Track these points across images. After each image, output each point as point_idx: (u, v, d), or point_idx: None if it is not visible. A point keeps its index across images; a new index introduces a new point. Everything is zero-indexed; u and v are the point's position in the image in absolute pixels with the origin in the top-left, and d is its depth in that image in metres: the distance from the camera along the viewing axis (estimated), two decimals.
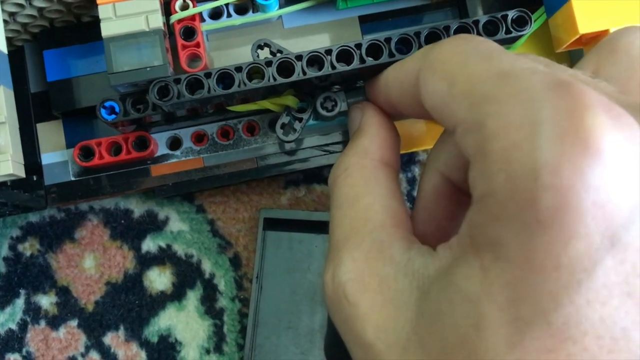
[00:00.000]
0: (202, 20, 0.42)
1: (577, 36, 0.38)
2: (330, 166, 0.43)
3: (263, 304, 0.45)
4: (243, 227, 0.48)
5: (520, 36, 0.38)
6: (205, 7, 0.41)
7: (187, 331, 0.47)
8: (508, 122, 0.22)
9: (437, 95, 0.27)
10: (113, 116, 0.39)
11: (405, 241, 0.28)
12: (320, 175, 0.48)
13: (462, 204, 0.31)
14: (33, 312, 0.47)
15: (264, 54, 0.40)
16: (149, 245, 0.48)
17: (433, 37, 0.37)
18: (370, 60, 0.37)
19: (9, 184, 0.39)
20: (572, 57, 0.44)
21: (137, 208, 0.48)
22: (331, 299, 0.28)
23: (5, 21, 0.40)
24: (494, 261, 0.22)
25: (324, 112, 0.40)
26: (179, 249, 0.48)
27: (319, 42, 0.44)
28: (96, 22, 0.39)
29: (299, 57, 0.37)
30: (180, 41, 0.40)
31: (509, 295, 0.21)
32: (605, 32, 0.38)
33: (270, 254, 0.46)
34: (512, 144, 0.22)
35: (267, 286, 0.45)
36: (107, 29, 0.38)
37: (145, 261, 0.48)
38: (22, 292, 0.47)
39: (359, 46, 0.37)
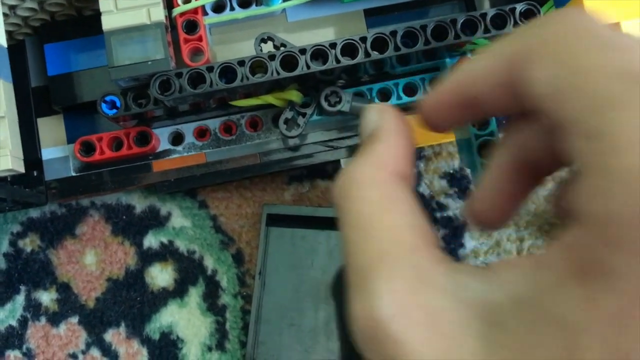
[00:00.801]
0: (205, 13, 0.41)
1: None
2: (334, 162, 0.43)
3: (266, 301, 0.45)
4: (246, 223, 0.48)
5: None
6: (207, 0, 0.41)
7: (189, 328, 0.46)
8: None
9: (548, 84, 0.24)
10: (114, 111, 0.39)
11: (445, 264, 0.25)
12: (324, 171, 0.48)
13: (528, 185, 0.29)
14: (33, 309, 0.47)
15: (267, 47, 0.39)
16: (151, 241, 0.47)
17: (440, 30, 0.37)
18: (375, 54, 0.37)
19: (9, 179, 0.39)
20: None
21: (139, 203, 0.48)
22: (366, 336, 0.25)
23: (5, 14, 0.40)
24: (603, 291, 0.20)
25: (327, 107, 0.40)
26: (181, 245, 0.47)
27: (324, 35, 0.43)
28: (97, 15, 0.38)
29: (302, 51, 0.36)
30: (182, 35, 0.40)
31: (615, 328, 0.20)
32: (616, 25, 0.37)
33: (273, 250, 0.45)
34: None
35: (270, 283, 0.45)
36: (108, 22, 0.38)
37: (147, 257, 0.47)
38: (23, 288, 0.47)
39: (363, 39, 0.37)
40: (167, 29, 0.39)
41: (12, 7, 0.40)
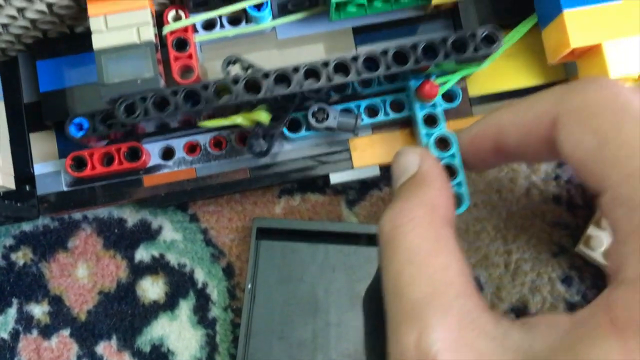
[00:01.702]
0: (195, 31, 0.42)
1: (569, 50, 0.38)
2: (323, 177, 0.44)
3: (256, 314, 0.45)
4: (236, 237, 0.48)
5: (490, 53, 0.39)
6: (197, 19, 0.41)
7: (180, 341, 0.47)
8: None
9: (582, 149, 0.27)
10: (82, 132, 0.39)
11: (490, 312, 0.27)
12: (314, 185, 0.48)
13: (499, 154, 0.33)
14: (25, 322, 0.47)
15: (236, 69, 0.40)
16: (142, 254, 0.48)
17: (401, 55, 0.38)
18: (337, 78, 0.37)
19: (0, 194, 0.39)
20: (567, 69, 0.44)
21: (131, 217, 0.48)
22: None
23: None
24: None
25: (315, 123, 0.40)
26: (172, 259, 0.48)
27: (313, 53, 0.44)
28: (89, 32, 0.39)
29: (266, 75, 0.37)
30: (172, 52, 0.40)
31: None
32: (597, 45, 0.38)
33: (264, 263, 0.46)
34: None
35: (260, 296, 0.45)
36: (99, 41, 0.38)
37: (139, 270, 0.48)
38: (15, 301, 0.47)
39: (326, 64, 0.38)
40: (157, 47, 0.39)
41: (4, 25, 0.40)
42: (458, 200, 0.39)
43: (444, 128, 0.41)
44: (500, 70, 0.44)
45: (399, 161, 0.35)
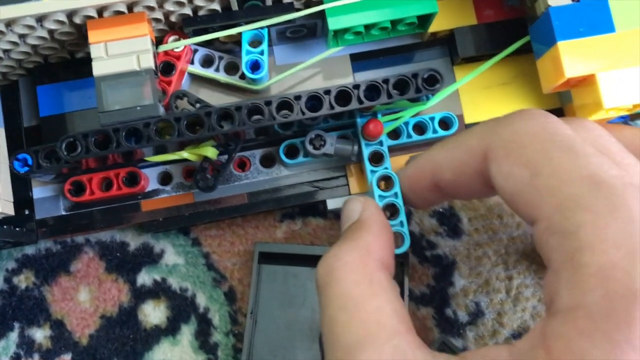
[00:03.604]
0: (191, 62, 0.43)
1: (564, 80, 0.38)
2: (321, 202, 0.44)
3: (257, 339, 0.45)
4: (238, 261, 0.48)
5: (432, 94, 0.39)
6: (192, 41, 0.42)
7: None
8: (605, 238, 0.22)
9: (514, 181, 0.27)
10: (26, 168, 0.39)
11: (425, 350, 0.27)
12: (315, 209, 0.48)
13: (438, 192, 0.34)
14: (27, 346, 0.47)
15: (184, 104, 0.41)
16: (144, 278, 0.48)
17: (343, 95, 0.39)
18: (280, 118, 0.39)
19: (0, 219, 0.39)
20: (561, 98, 0.44)
21: (133, 241, 0.48)
22: None
23: None
24: None
25: (312, 150, 0.40)
26: (174, 283, 0.48)
27: (310, 79, 0.44)
28: (89, 58, 0.39)
29: (208, 114, 0.38)
30: None
31: None
32: (592, 76, 0.37)
33: (265, 288, 0.46)
34: (610, 262, 0.22)
35: (262, 321, 0.45)
36: (99, 68, 0.39)
37: (140, 295, 0.48)
38: (17, 325, 0.47)
39: (268, 103, 0.39)
40: (156, 74, 0.39)
41: (6, 51, 0.41)
42: (400, 239, 0.39)
43: (389, 167, 0.41)
44: (496, 98, 0.44)
45: (344, 209, 0.36)
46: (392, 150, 0.43)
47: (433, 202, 0.39)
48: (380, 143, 0.42)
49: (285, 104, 0.39)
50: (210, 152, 0.41)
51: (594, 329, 0.21)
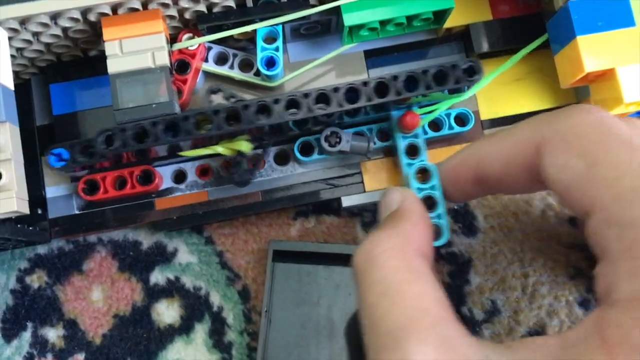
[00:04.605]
0: (205, 60, 0.42)
1: (583, 74, 0.38)
2: (335, 200, 0.44)
3: (272, 338, 0.45)
4: (252, 259, 0.48)
5: (472, 84, 0.39)
6: (208, 38, 0.41)
7: None
8: None
9: (570, 172, 0.27)
10: (62, 163, 0.39)
11: (470, 338, 0.27)
12: (329, 207, 0.48)
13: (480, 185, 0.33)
14: (40, 346, 0.47)
15: (218, 98, 0.40)
16: (158, 277, 0.48)
17: (382, 86, 0.39)
18: (318, 110, 0.38)
19: (13, 218, 0.39)
20: (578, 93, 0.44)
21: (146, 240, 0.48)
22: None
23: (12, 56, 0.40)
24: None
25: (328, 147, 0.40)
26: (188, 281, 0.48)
27: (325, 76, 0.44)
28: (102, 56, 0.39)
29: (245, 107, 0.38)
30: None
31: None
32: (611, 70, 0.37)
33: (279, 286, 0.45)
34: None
35: (276, 319, 0.45)
36: (114, 66, 0.39)
37: (154, 294, 0.47)
38: (30, 325, 0.47)
39: (307, 95, 0.38)
40: (171, 72, 0.39)
41: (19, 49, 0.41)
42: (438, 232, 0.38)
43: (425, 159, 0.41)
44: (512, 94, 0.44)
45: (383, 199, 0.36)
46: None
47: (473, 196, 0.39)
48: (416, 135, 0.42)
49: (322, 97, 0.38)
50: (245, 146, 0.41)
51: None
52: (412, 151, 0.42)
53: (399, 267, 0.29)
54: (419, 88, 0.39)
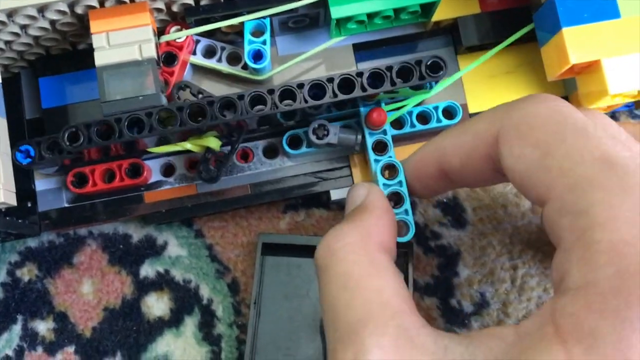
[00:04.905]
0: (193, 53, 0.42)
1: (569, 66, 0.38)
2: (325, 193, 0.44)
3: (261, 330, 0.45)
4: (242, 252, 0.48)
5: (435, 81, 0.39)
6: (194, 31, 0.41)
7: (185, 358, 0.47)
8: (617, 216, 0.23)
9: (525, 162, 0.27)
10: (29, 160, 0.39)
11: (429, 329, 0.27)
12: (319, 200, 0.48)
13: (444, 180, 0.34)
14: (30, 338, 0.47)
15: (186, 95, 0.41)
16: (147, 270, 0.48)
17: (347, 82, 0.39)
18: (283, 107, 0.38)
19: (2, 210, 0.39)
20: (566, 86, 0.44)
21: (136, 233, 0.48)
22: None
23: (0, 49, 0.40)
24: (585, 353, 0.21)
25: (315, 140, 0.40)
26: (177, 274, 0.48)
27: (313, 69, 0.44)
28: (91, 49, 0.39)
29: (210, 103, 0.38)
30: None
31: None
32: (597, 62, 0.37)
33: (269, 279, 0.45)
34: (622, 240, 0.22)
35: (265, 312, 0.45)
36: (101, 58, 0.39)
37: (144, 287, 0.47)
38: (20, 317, 0.47)
39: (271, 92, 0.38)
40: (158, 64, 0.39)
41: (7, 42, 0.41)
42: (405, 228, 0.39)
43: (393, 155, 0.41)
44: (500, 87, 0.44)
45: (349, 194, 0.36)
46: (396, 139, 0.43)
47: (437, 191, 0.39)
48: (384, 132, 0.42)
49: (288, 93, 0.38)
50: (213, 142, 0.41)
51: (605, 306, 0.21)
52: (380, 148, 0.42)
53: (359, 261, 0.29)
54: (384, 85, 0.39)
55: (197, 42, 0.43)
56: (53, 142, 0.39)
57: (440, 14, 0.43)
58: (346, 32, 0.43)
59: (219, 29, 0.41)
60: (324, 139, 0.41)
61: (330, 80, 0.38)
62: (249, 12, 0.40)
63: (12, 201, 0.38)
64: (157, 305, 0.47)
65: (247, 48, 0.41)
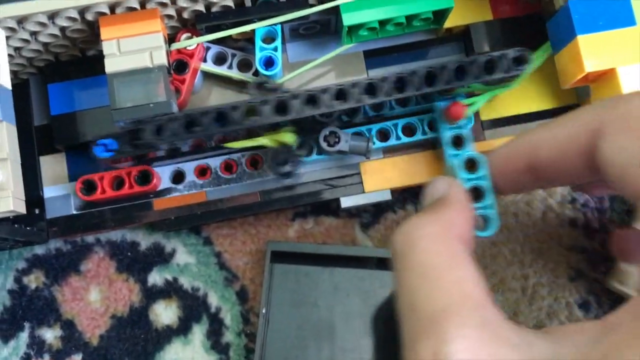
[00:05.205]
0: (204, 60, 0.42)
1: (584, 74, 0.37)
2: (334, 201, 0.43)
3: (270, 339, 0.44)
4: (250, 260, 0.48)
5: (519, 74, 0.38)
6: (207, 38, 0.41)
7: None
8: None
9: (626, 154, 0.27)
10: (110, 153, 0.39)
11: (511, 323, 0.26)
12: (328, 208, 0.48)
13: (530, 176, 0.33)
14: (37, 346, 0.47)
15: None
16: (155, 278, 0.47)
17: (431, 76, 0.38)
18: (367, 98, 0.37)
19: (10, 218, 0.39)
20: (578, 94, 0.44)
21: (144, 240, 0.48)
22: None
23: (10, 55, 0.40)
24: None
25: (327, 147, 0.40)
26: (185, 282, 0.47)
27: (324, 76, 0.44)
28: (100, 56, 0.39)
29: (295, 96, 0.37)
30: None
31: None
32: (612, 70, 0.37)
33: (277, 287, 0.45)
34: None
35: (274, 321, 0.45)
36: (111, 65, 0.38)
37: (151, 294, 0.47)
38: (27, 325, 0.47)
39: (355, 85, 0.38)
40: (169, 72, 0.39)
41: (17, 49, 0.40)
42: (487, 222, 0.38)
43: (472, 149, 0.41)
44: (512, 94, 0.44)
45: (428, 188, 0.35)
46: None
47: (519, 188, 0.39)
48: (462, 126, 0.42)
49: (370, 87, 0.38)
50: (289, 137, 0.40)
51: None
52: (458, 142, 0.42)
53: (440, 252, 0.29)
54: (467, 78, 0.39)
55: (208, 49, 0.43)
56: (133, 135, 0.39)
57: (452, 21, 0.43)
58: (357, 39, 0.42)
59: (229, 36, 0.41)
60: (335, 146, 0.40)
61: (413, 73, 0.38)
62: (260, 19, 0.40)
63: (22, 209, 0.38)
64: (165, 313, 0.47)
65: (259, 55, 0.41)
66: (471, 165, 0.39)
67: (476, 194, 0.38)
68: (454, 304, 0.26)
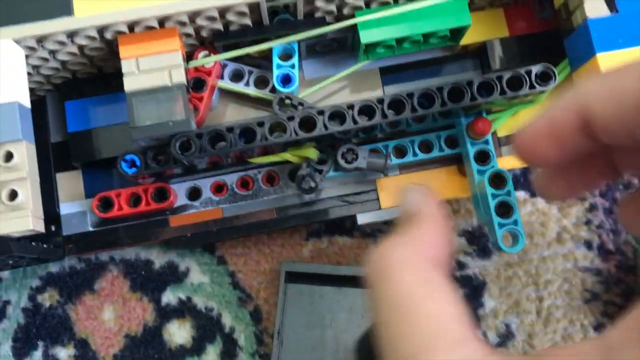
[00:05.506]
0: (221, 77, 0.42)
1: None
2: (350, 217, 0.43)
3: None
4: (264, 280, 0.47)
5: (545, 91, 0.38)
6: (224, 56, 0.41)
7: None
8: None
9: None
10: (134, 169, 0.39)
11: (496, 354, 0.24)
12: (342, 227, 0.48)
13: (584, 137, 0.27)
14: None
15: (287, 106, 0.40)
16: (169, 297, 0.47)
17: (456, 91, 0.38)
18: (391, 114, 0.37)
19: (27, 235, 0.39)
20: None
21: (158, 259, 0.48)
22: None
23: (29, 73, 0.40)
24: None
25: (344, 164, 0.40)
26: (199, 302, 0.47)
27: (340, 93, 0.44)
28: (117, 73, 0.39)
29: (320, 112, 0.37)
30: None
31: None
32: None
33: (292, 308, 0.45)
34: None
35: (288, 342, 0.44)
36: (130, 84, 0.38)
37: (165, 314, 0.47)
38: (41, 343, 0.47)
39: (381, 101, 0.38)
40: (187, 90, 0.39)
41: (35, 67, 0.41)
42: (514, 239, 0.38)
43: (496, 164, 0.41)
44: (528, 111, 0.44)
45: (404, 197, 0.33)
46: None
47: (572, 156, 0.30)
48: (486, 142, 0.42)
49: (393, 104, 0.39)
50: (312, 152, 0.41)
51: None
52: (483, 157, 0.42)
53: (413, 281, 0.27)
54: (493, 94, 0.39)
55: (225, 66, 0.43)
56: (158, 151, 0.39)
57: (469, 38, 0.43)
58: (374, 56, 0.42)
59: (247, 53, 0.41)
60: (353, 162, 0.40)
61: (440, 89, 0.39)
62: (277, 37, 0.40)
63: (41, 228, 0.38)
64: (178, 332, 0.47)
65: (276, 72, 0.41)
66: (497, 180, 0.39)
67: (503, 209, 0.38)
68: (431, 344, 0.25)
